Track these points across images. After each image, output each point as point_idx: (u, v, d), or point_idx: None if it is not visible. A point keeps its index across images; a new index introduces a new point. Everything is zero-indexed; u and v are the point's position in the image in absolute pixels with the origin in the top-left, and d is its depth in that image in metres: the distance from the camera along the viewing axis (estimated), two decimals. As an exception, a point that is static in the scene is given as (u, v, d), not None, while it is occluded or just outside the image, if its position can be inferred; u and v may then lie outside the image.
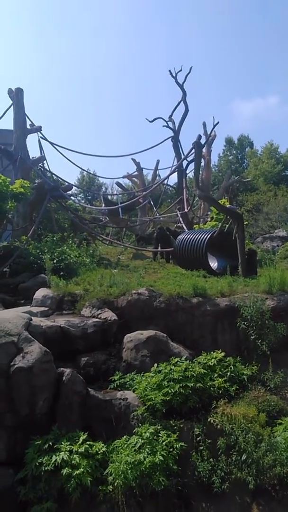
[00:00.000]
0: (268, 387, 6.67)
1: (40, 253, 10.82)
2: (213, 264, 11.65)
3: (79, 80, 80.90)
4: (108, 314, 7.50)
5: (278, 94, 73.12)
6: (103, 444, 5.49)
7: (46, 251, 10.75)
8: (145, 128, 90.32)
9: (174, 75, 23.85)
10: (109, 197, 26.72)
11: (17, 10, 71.44)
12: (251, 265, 10.59)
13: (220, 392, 6.30)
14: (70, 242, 13.14)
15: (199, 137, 12.52)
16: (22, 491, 5.01)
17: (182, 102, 24.13)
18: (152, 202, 24.04)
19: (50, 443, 5.31)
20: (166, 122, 24.34)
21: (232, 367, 6.73)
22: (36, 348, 5.99)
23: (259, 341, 7.19)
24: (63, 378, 5.95)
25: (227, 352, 7.09)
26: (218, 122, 22.74)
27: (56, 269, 9.91)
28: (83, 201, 40.37)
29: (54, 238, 12.44)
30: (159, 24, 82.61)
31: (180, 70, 23.82)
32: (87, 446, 5.32)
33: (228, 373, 6.60)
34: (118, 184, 27.78)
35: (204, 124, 25.28)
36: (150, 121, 25.00)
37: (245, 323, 7.40)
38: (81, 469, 5.01)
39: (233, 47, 79.59)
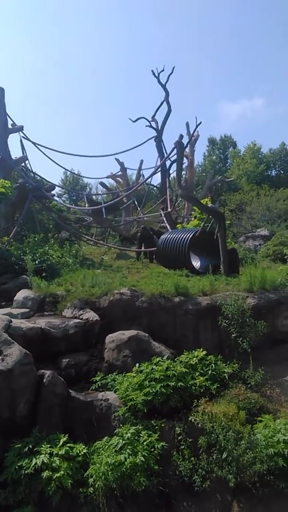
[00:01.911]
0: (249, 385, 6.72)
1: (22, 254, 10.68)
2: (196, 263, 11.72)
3: (62, 80, 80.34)
4: (90, 315, 7.46)
5: (264, 96, 73.54)
6: (84, 446, 5.45)
7: (28, 252, 10.62)
8: (129, 128, 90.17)
9: (156, 75, 23.88)
10: (94, 197, 26.54)
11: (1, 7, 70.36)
12: (233, 264, 10.67)
13: (202, 390, 6.33)
14: (53, 242, 13.00)
15: (181, 136, 12.54)
16: (2, 495, 4.96)
17: (165, 102, 24.20)
18: (136, 202, 24.03)
19: (30, 446, 5.26)
20: (149, 122, 24.39)
21: (213, 365, 6.77)
22: (16, 350, 5.92)
23: (240, 339, 7.26)
24: (44, 380, 5.90)
25: (209, 350, 7.13)
26: (200, 122, 22.96)
27: (38, 270, 9.81)
28: (67, 202, 40.09)
29: (36, 239, 12.29)
30: (146, 22, 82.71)
31: (163, 70, 23.88)
32: (67, 448, 5.29)
33: (209, 372, 6.64)
34: (102, 184, 27.64)
35: (187, 124, 25.38)
36: (133, 121, 25.10)
37: (227, 321, 7.45)
38: (62, 472, 4.97)
39: (221, 48, 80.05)
